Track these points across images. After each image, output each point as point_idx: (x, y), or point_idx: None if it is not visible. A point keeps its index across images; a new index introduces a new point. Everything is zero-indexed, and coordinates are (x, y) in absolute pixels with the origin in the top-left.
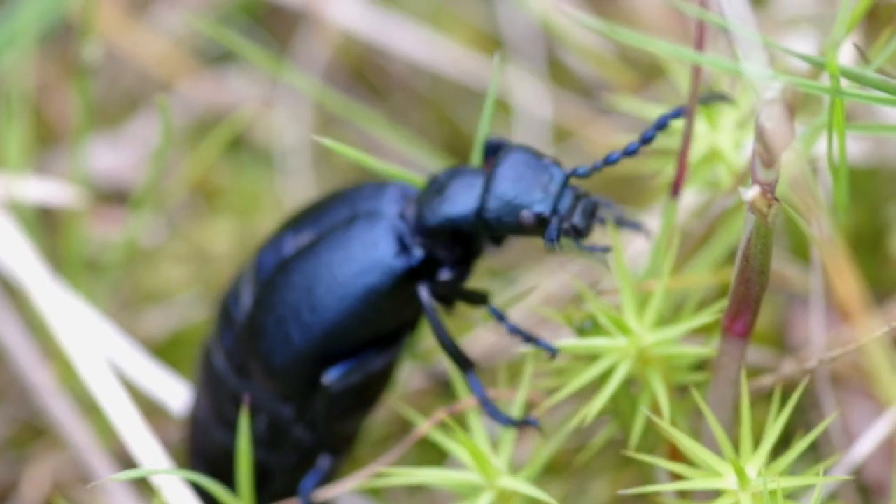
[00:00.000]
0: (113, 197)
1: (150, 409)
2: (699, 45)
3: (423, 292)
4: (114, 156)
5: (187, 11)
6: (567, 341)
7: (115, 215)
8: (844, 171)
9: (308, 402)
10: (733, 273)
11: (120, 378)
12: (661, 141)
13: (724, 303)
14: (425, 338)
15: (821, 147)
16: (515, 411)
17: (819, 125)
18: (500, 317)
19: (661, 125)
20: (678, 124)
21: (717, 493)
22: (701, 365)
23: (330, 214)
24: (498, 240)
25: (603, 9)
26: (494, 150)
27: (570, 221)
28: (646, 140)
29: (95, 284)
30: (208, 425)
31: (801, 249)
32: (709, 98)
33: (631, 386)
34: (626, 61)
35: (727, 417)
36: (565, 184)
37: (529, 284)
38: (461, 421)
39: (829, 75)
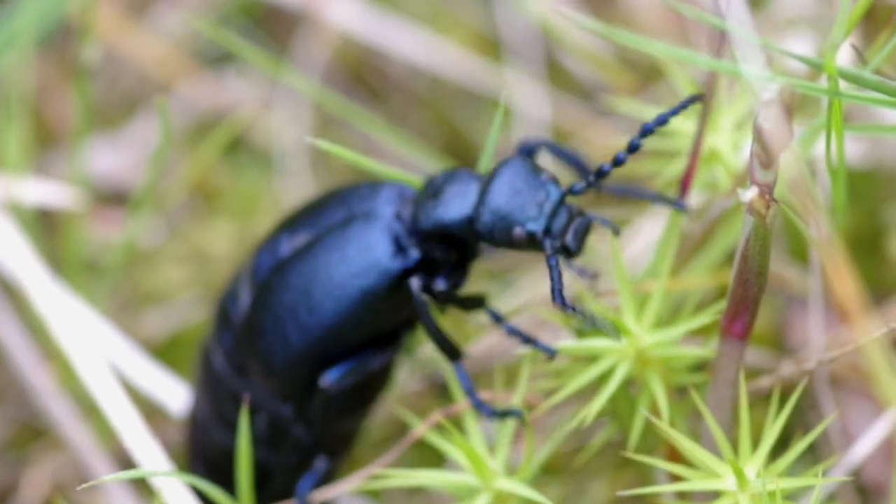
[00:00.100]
0: (112, 198)
1: (150, 410)
2: (715, 50)
3: (415, 284)
4: (113, 157)
5: (186, 13)
6: (566, 342)
7: (115, 216)
8: (843, 172)
9: (307, 402)
10: (732, 274)
11: (119, 379)
12: (660, 142)
13: (722, 304)
14: (424, 346)
15: (819, 148)
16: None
17: (817, 126)
18: (498, 318)
19: (647, 132)
20: (678, 125)
21: (716, 494)
22: (700, 366)
23: (326, 215)
24: (496, 244)
25: (601, 11)
26: (530, 153)
27: (562, 241)
28: (633, 149)
29: (95, 285)
30: (208, 425)
31: (799, 251)
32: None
33: (630, 387)
34: (624, 63)
35: (726, 418)
36: (561, 202)
37: (527, 286)
38: (458, 423)
39: (827, 77)
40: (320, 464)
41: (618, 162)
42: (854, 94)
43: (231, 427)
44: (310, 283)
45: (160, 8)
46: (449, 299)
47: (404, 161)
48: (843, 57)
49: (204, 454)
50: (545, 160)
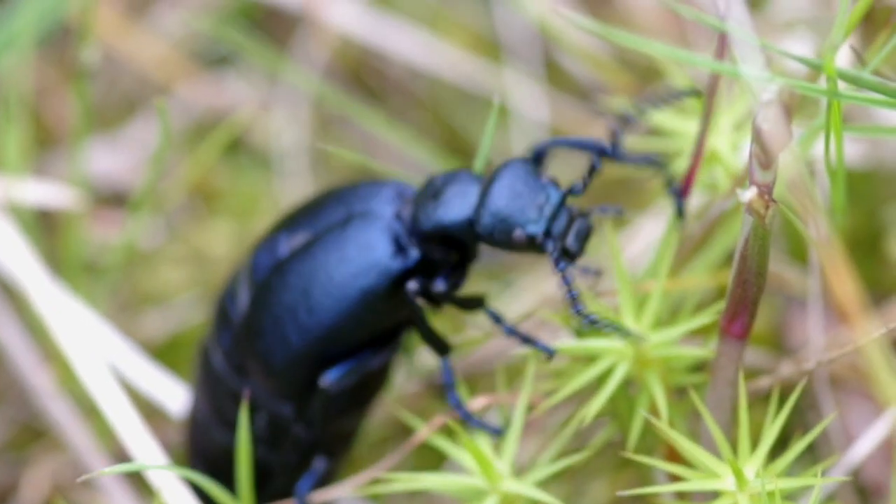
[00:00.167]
0: (111, 199)
1: (149, 411)
2: (718, 52)
3: (411, 286)
4: (112, 158)
5: (186, 14)
6: (565, 343)
7: (114, 218)
8: (842, 173)
9: (307, 401)
10: (731, 274)
11: (119, 380)
12: (659, 143)
13: (721, 304)
14: (421, 347)
15: (818, 149)
16: (517, 414)
17: (816, 127)
18: (497, 319)
19: (628, 121)
20: (678, 126)
21: (715, 495)
22: (699, 366)
23: (325, 215)
24: (496, 245)
25: (599, 11)
26: (539, 157)
27: (562, 243)
28: (615, 141)
29: (94, 286)
30: (208, 425)
31: (798, 251)
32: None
33: (629, 387)
34: (622, 63)
35: (725, 419)
36: (561, 205)
37: (527, 287)
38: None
39: (827, 78)
40: (319, 464)
41: (594, 169)
42: (853, 95)
43: (231, 426)
44: (309, 283)
45: (159, 9)
46: (448, 300)
47: (404, 162)
48: (843, 58)
49: (204, 454)
50: (554, 161)
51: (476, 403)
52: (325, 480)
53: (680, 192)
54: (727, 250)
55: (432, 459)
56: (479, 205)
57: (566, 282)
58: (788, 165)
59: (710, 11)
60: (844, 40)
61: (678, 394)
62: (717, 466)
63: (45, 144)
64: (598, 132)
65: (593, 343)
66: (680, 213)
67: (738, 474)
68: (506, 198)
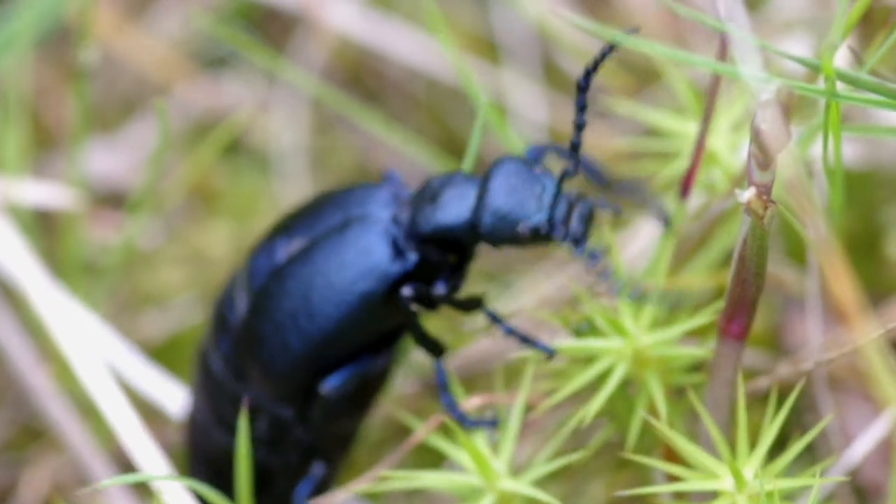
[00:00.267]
0: (110, 200)
1: (148, 412)
2: (718, 53)
3: (406, 292)
4: (111, 159)
5: (184, 15)
6: (564, 343)
7: (113, 218)
8: (840, 173)
9: (308, 405)
10: (729, 275)
11: (118, 380)
12: (658, 144)
13: (720, 304)
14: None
15: (816, 150)
16: (514, 414)
17: (814, 128)
18: (496, 319)
19: (596, 63)
20: (678, 127)
21: (713, 495)
22: (697, 367)
23: (322, 219)
24: (494, 243)
25: (597, 11)
26: (537, 157)
27: (567, 228)
28: (580, 106)
29: (93, 287)
30: (208, 428)
31: (796, 252)
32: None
33: (628, 388)
34: (621, 64)
35: (724, 419)
36: (558, 192)
37: (526, 287)
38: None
39: (825, 78)
40: (318, 469)
41: (579, 125)
42: (851, 96)
43: (231, 429)
44: (308, 289)
45: (158, 10)
46: (448, 303)
47: (402, 162)
48: (841, 58)
49: (204, 457)
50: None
51: (471, 403)
52: (324, 485)
53: (665, 218)
54: (726, 251)
55: (432, 461)
56: (477, 207)
57: (592, 262)
58: (787, 166)
59: (709, 12)
60: (843, 41)
61: (676, 394)
62: (715, 467)
63: (44, 145)
64: (596, 133)
65: (592, 343)
66: (668, 225)
67: (737, 474)
68: (503, 195)
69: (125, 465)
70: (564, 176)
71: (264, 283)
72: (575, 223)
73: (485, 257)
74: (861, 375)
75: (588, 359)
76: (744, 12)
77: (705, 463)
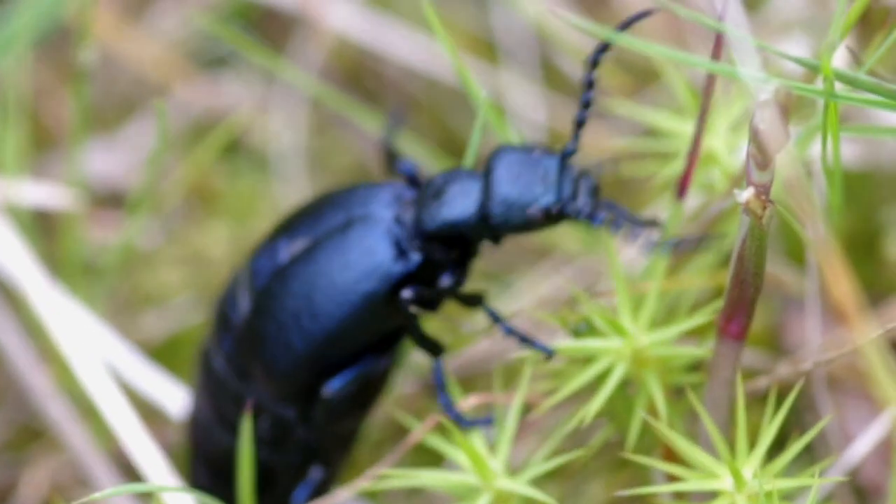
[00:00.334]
0: (109, 200)
1: (148, 412)
2: (715, 52)
3: (406, 294)
4: (110, 159)
5: (183, 15)
6: (562, 343)
7: (112, 219)
8: (839, 173)
9: (310, 404)
10: (728, 275)
11: (117, 381)
12: (657, 144)
13: (718, 303)
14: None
15: (815, 150)
16: (511, 413)
17: (813, 128)
18: (495, 318)
19: (595, 62)
20: (677, 127)
21: (713, 495)
22: (695, 366)
23: (324, 219)
24: (497, 238)
25: (596, 12)
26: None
27: (577, 205)
28: (588, 83)
29: (92, 287)
30: (210, 427)
31: (795, 252)
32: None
33: (626, 388)
34: (619, 64)
35: (723, 419)
36: (561, 170)
37: (526, 287)
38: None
39: (823, 78)
40: (316, 473)
41: (585, 103)
42: (850, 96)
43: (233, 429)
44: (312, 289)
45: (157, 10)
46: (452, 295)
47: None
48: (839, 59)
49: (206, 457)
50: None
51: (468, 402)
52: (322, 488)
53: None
54: (724, 251)
55: (432, 461)
56: (485, 199)
57: (616, 229)
58: (785, 166)
59: (708, 12)
60: (841, 41)
61: (675, 393)
62: (714, 466)
63: (43, 145)
64: (594, 134)
65: (591, 343)
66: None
67: (736, 474)
68: (508, 183)
69: (124, 465)
70: (566, 155)
71: (267, 283)
72: (583, 199)
73: (484, 257)
74: (860, 375)
75: (587, 359)
76: (742, 13)
77: (705, 463)
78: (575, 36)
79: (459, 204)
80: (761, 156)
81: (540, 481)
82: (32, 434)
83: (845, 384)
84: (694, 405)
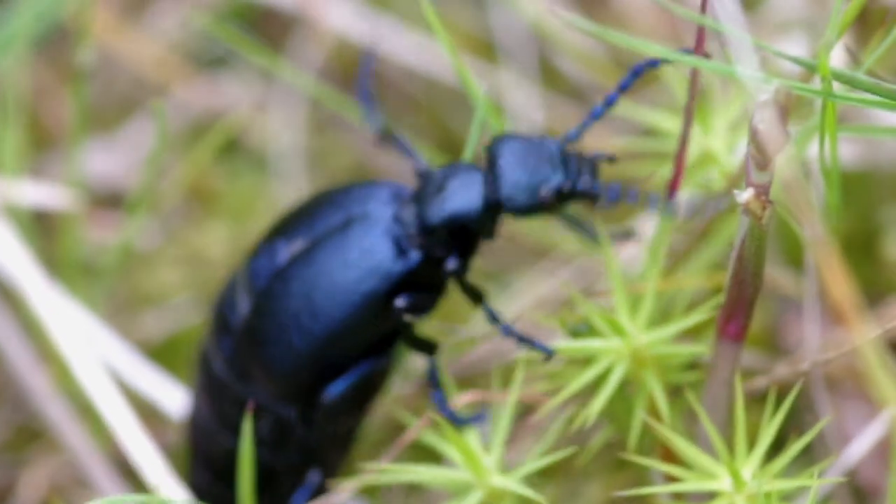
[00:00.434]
0: (108, 200)
1: (146, 412)
2: (698, 47)
3: (399, 303)
4: (109, 159)
5: (182, 15)
6: (561, 344)
7: (111, 219)
8: (837, 173)
9: (311, 404)
10: (727, 275)
11: (116, 381)
12: (655, 144)
13: (716, 301)
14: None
15: (813, 150)
16: (505, 410)
17: (811, 128)
18: (494, 318)
19: (639, 72)
20: (675, 127)
21: (711, 495)
22: (692, 365)
23: (322, 219)
24: (490, 233)
25: (594, 11)
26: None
27: (587, 182)
28: (623, 88)
29: (91, 288)
30: (210, 429)
31: (793, 253)
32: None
33: (625, 388)
34: (617, 64)
35: (722, 419)
36: (564, 150)
37: (525, 287)
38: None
39: (821, 78)
40: (314, 477)
41: (594, 116)
42: (848, 96)
43: (234, 430)
44: (312, 290)
45: (156, 10)
46: (458, 281)
47: (400, 163)
48: (837, 58)
49: (206, 458)
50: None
51: (462, 399)
52: (320, 492)
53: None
54: (721, 251)
55: (431, 462)
56: (494, 186)
57: (633, 199)
58: (783, 166)
59: (706, 12)
60: (838, 40)
61: (673, 393)
62: (713, 467)
63: (42, 145)
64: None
65: (590, 343)
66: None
67: (735, 475)
68: (517, 166)
69: (124, 465)
70: (567, 140)
71: (267, 284)
72: (587, 178)
73: (483, 258)
74: (858, 376)
75: (586, 360)
76: (740, 12)
77: (703, 463)
78: (574, 36)
79: (464, 195)
80: (761, 156)
81: (538, 481)
82: (31, 434)
83: (844, 384)
84: (692, 405)
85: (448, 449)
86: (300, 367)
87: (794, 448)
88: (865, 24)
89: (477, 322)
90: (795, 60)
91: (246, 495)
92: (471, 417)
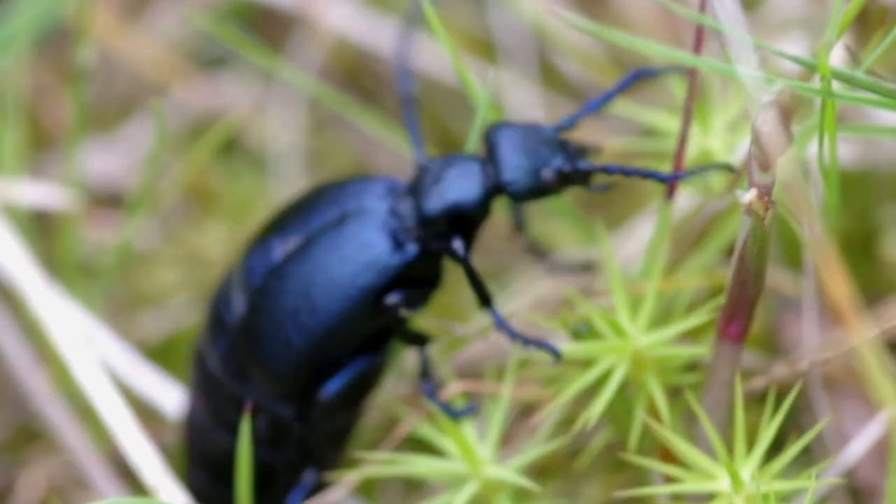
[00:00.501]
0: (107, 200)
1: (145, 412)
2: (696, 47)
3: (392, 299)
4: (108, 159)
5: (181, 15)
6: (564, 345)
7: (110, 219)
8: (836, 173)
9: (308, 401)
10: (729, 276)
11: (114, 381)
12: (654, 144)
13: (716, 302)
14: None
15: (812, 150)
16: (501, 402)
17: (811, 128)
18: (501, 323)
19: (631, 81)
20: (674, 127)
21: (710, 496)
22: (692, 366)
23: (317, 215)
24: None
25: (593, 11)
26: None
27: (587, 162)
28: (620, 88)
29: (90, 288)
30: (207, 428)
31: (791, 253)
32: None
33: (625, 389)
34: (617, 64)
35: (721, 420)
36: (558, 135)
37: (523, 287)
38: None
39: (821, 77)
40: (309, 477)
41: (589, 108)
42: (847, 95)
43: (230, 429)
44: (309, 286)
45: (155, 10)
46: (464, 266)
47: (399, 162)
48: (837, 58)
49: (203, 457)
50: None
51: (452, 389)
52: (316, 492)
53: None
54: (721, 251)
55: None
56: (495, 171)
57: (633, 172)
58: (783, 166)
59: (706, 12)
60: (838, 40)
61: (673, 394)
62: (712, 468)
63: (42, 145)
64: (592, 133)
65: (593, 345)
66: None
67: (734, 475)
68: (517, 151)
69: (122, 466)
70: (561, 127)
71: (263, 282)
72: (583, 161)
73: (483, 257)
74: (857, 376)
75: (586, 361)
76: (740, 11)
77: (702, 464)
78: (573, 36)
79: (463, 184)
80: (764, 157)
81: (537, 481)
82: (30, 435)
83: (842, 385)
84: (692, 406)
85: (444, 441)
86: (297, 363)
87: (793, 449)
88: (865, 24)
89: (475, 319)
90: (795, 60)
91: (244, 494)
92: (462, 409)
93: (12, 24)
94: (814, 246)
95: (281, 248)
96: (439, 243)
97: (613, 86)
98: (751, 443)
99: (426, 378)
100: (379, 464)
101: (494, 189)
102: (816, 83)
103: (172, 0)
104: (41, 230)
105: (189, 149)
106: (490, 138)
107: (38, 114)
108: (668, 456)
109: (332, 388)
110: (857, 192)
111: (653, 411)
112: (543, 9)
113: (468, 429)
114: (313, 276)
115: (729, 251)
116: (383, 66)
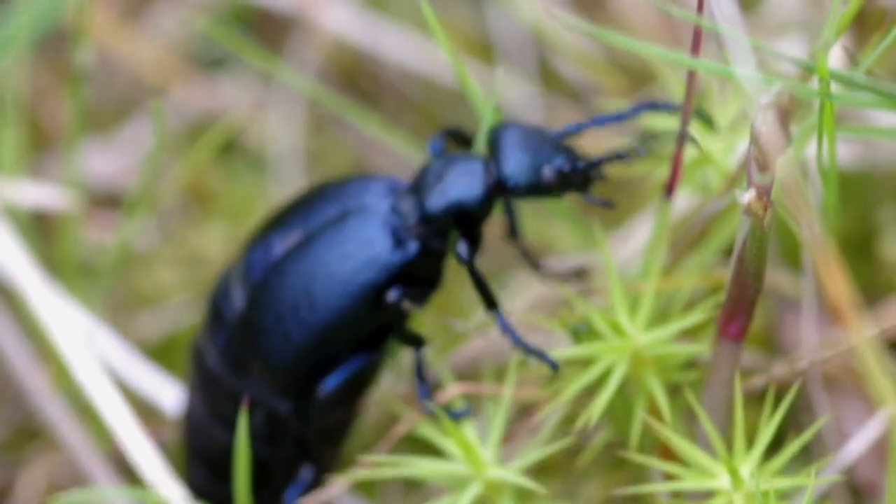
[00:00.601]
0: (106, 201)
1: (145, 412)
2: (694, 48)
3: (392, 295)
4: (107, 160)
5: (180, 17)
6: (564, 349)
7: (109, 219)
8: (835, 174)
9: (306, 397)
10: (728, 276)
11: (114, 380)
12: (652, 145)
13: (714, 300)
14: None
15: (811, 150)
16: (502, 404)
17: (809, 128)
18: (505, 328)
19: (643, 108)
20: (669, 125)
21: (710, 494)
22: (690, 364)
23: (318, 212)
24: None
25: (592, 13)
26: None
27: (588, 161)
28: (631, 113)
29: (89, 288)
30: (204, 424)
31: (790, 253)
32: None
33: (625, 387)
34: (616, 65)
35: (721, 419)
36: (562, 139)
37: (522, 287)
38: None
39: (819, 79)
40: (306, 473)
41: (596, 122)
42: (846, 96)
43: (228, 424)
44: (309, 281)
45: (155, 11)
46: (469, 268)
47: (398, 163)
48: (835, 59)
49: (202, 452)
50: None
51: (449, 391)
52: (314, 487)
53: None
54: (720, 251)
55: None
56: (498, 169)
57: (625, 156)
58: (782, 167)
59: (705, 13)
60: (836, 41)
61: (673, 392)
62: (712, 466)
63: (41, 146)
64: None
65: (592, 346)
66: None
67: (734, 473)
68: (520, 149)
69: (122, 464)
70: (566, 133)
71: (263, 277)
72: (583, 162)
73: (483, 257)
74: (856, 375)
75: (586, 360)
76: (738, 13)
77: (702, 462)
78: (572, 37)
79: (466, 182)
80: (763, 158)
81: (536, 481)
82: (30, 434)
83: (841, 384)
84: (692, 405)
85: (445, 442)
86: (296, 359)
87: (793, 447)
88: (863, 25)
89: (475, 317)
90: (794, 61)
91: (242, 490)
92: (457, 412)
93: (12, 24)
94: (813, 246)
95: (281, 244)
96: (441, 242)
97: (626, 108)
98: (750, 441)
99: (421, 380)
100: (380, 465)
101: (496, 186)
102: (815, 84)
103: (171, 1)
104: (41, 230)
105: (188, 149)
106: (494, 135)
107: (38, 114)
108: (668, 454)
109: (329, 384)
110: (855, 192)
111: (653, 410)
112: (542, 10)
113: (469, 430)
114: (313, 271)
115: (728, 251)
116: (381, 67)
